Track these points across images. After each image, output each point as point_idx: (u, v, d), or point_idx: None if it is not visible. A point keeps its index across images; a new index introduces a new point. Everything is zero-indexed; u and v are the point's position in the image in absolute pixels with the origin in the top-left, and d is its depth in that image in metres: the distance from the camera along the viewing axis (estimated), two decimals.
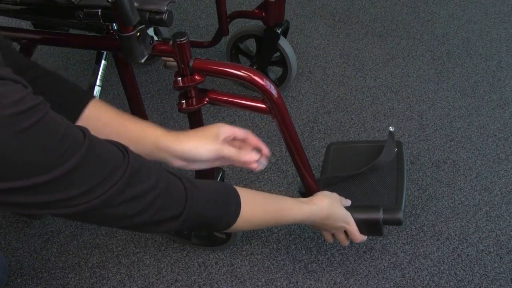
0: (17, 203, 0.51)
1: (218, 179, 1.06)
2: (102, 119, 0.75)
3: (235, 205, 0.73)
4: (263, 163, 0.84)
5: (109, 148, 0.58)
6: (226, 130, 0.80)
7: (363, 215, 0.95)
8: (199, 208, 0.67)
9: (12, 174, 0.48)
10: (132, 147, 0.73)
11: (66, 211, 0.54)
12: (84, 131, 0.55)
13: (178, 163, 0.77)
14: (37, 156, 0.48)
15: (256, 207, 0.78)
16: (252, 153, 0.81)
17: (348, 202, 0.98)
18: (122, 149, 0.59)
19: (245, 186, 1.28)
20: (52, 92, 0.73)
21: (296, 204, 0.87)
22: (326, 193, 0.95)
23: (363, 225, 0.96)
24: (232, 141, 0.83)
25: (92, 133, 0.74)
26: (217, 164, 0.82)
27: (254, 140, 0.84)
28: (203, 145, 0.77)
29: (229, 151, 0.79)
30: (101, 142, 0.57)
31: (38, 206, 0.52)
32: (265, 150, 0.84)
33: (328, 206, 0.91)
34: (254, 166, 0.82)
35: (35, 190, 0.50)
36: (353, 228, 0.95)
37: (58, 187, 0.51)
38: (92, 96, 0.75)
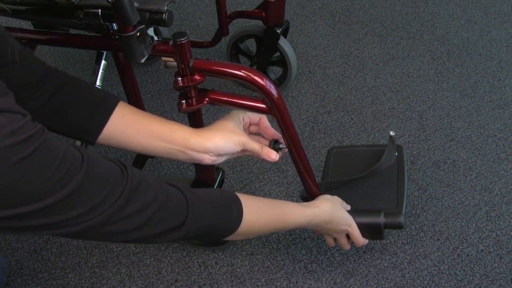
0: (18, 228, 0.52)
1: (218, 179, 1.06)
2: (129, 121, 0.77)
3: (237, 212, 0.73)
4: (284, 152, 0.90)
5: (108, 166, 0.59)
6: (243, 116, 0.85)
7: (364, 219, 0.96)
8: (201, 218, 0.68)
9: (13, 202, 0.49)
10: (161, 145, 0.77)
11: (67, 231, 0.55)
12: (82, 152, 0.56)
13: (207, 159, 0.80)
14: (36, 183, 0.49)
15: (258, 213, 0.78)
16: (272, 152, 0.85)
17: (348, 207, 0.99)
18: (121, 166, 0.60)
19: (245, 186, 1.28)
20: (77, 100, 0.75)
21: (298, 208, 0.87)
22: (327, 196, 0.95)
23: (364, 229, 0.96)
24: (249, 126, 0.88)
25: (121, 135, 0.76)
26: (240, 155, 0.86)
27: (267, 126, 0.88)
28: (232, 139, 0.80)
29: (253, 145, 0.82)
30: (100, 160, 0.58)
31: (38, 228, 0.53)
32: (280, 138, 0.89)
33: (330, 209, 0.91)
34: (275, 160, 0.87)
35: (36, 215, 0.51)
36: (355, 231, 0.95)
37: (59, 210, 0.52)
38: (117, 100, 0.77)
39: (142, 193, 0.60)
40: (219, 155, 0.80)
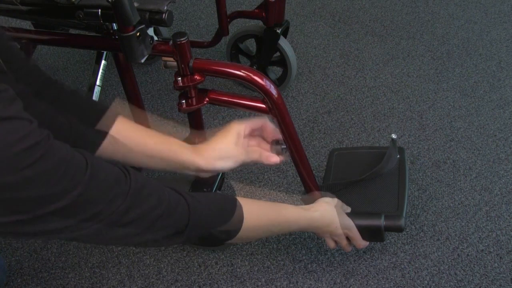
0: (22, 233, 0.52)
1: (218, 179, 1.06)
2: (127, 138, 0.77)
3: (238, 216, 0.74)
4: (286, 152, 0.90)
5: (111, 171, 0.59)
6: (243, 128, 0.84)
7: (364, 222, 0.96)
8: (202, 223, 0.69)
9: (19, 208, 0.50)
10: (159, 162, 0.78)
11: (70, 235, 0.56)
12: (86, 157, 0.56)
13: (205, 175, 0.82)
14: (42, 189, 0.50)
15: (258, 217, 0.79)
16: (272, 155, 0.86)
17: (348, 209, 0.99)
18: (124, 171, 0.61)
19: (245, 186, 1.28)
20: (74, 112, 0.75)
21: (298, 211, 0.87)
22: (327, 199, 0.95)
23: (364, 232, 0.96)
24: (251, 132, 0.87)
25: (120, 153, 0.76)
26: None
27: (271, 130, 0.88)
28: (230, 158, 0.81)
29: (253, 156, 0.83)
30: (103, 165, 0.59)
31: (42, 233, 0.54)
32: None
33: (329, 213, 0.91)
34: (277, 162, 0.87)
35: (41, 221, 0.52)
36: (355, 234, 0.95)
37: (64, 216, 0.53)
38: (115, 114, 0.77)
39: (145, 198, 0.61)
40: (215, 170, 0.83)
